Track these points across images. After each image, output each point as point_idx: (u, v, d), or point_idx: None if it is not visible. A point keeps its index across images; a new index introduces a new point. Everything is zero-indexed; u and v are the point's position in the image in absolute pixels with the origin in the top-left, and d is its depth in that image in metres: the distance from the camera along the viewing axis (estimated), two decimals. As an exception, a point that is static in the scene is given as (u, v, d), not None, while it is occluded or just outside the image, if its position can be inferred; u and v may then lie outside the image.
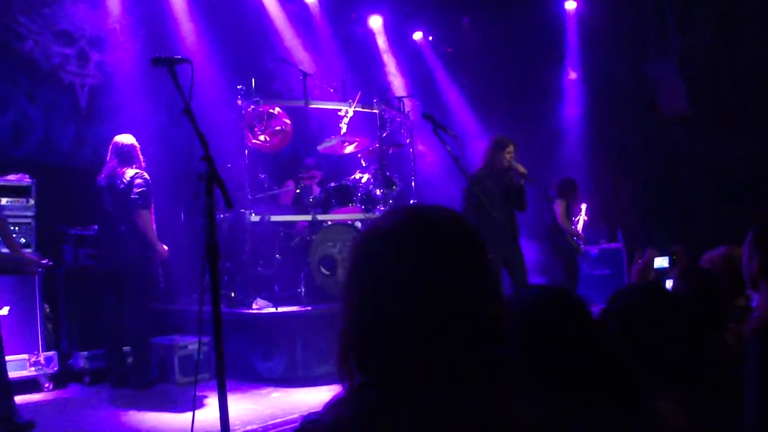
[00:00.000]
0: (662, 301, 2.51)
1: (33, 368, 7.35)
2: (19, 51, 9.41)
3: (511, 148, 8.31)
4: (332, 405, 1.50)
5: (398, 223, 1.57)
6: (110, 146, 7.69)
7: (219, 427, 3.59)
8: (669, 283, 4.37)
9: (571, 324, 2.02)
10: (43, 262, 7.50)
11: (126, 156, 7.53)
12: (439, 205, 1.63)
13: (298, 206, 9.49)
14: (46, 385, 7.45)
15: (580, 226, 10.86)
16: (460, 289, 1.49)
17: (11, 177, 7.85)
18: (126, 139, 7.63)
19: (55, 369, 7.58)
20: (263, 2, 12.17)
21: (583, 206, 10.96)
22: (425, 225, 1.54)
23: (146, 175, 7.46)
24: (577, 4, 13.61)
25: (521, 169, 8.24)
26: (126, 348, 7.73)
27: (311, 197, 9.15)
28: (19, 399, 6.99)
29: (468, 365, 1.46)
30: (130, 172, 7.42)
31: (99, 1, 10.24)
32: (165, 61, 4.13)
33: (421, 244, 1.51)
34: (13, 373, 7.16)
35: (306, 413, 1.50)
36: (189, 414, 6.19)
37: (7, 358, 7.17)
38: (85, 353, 7.85)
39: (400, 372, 1.46)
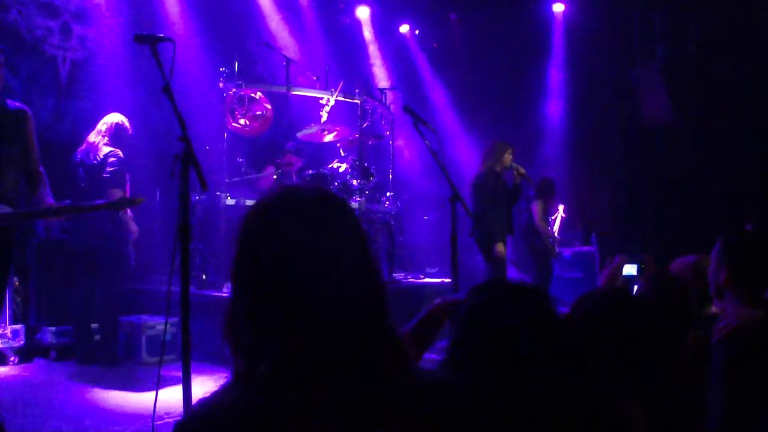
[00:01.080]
0: (626, 306, 2.52)
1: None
2: (3, 21, 9.34)
3: (510, 150, 8.88)
4: (221, 390, 1.50)
5: (266, 202, 1.58)
6: (104, 125, 7.62)
7: (182, 408, 3.60)
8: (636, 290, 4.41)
9: (530, 319, 2.04)
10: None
11: (116, 135, 7.52)
12: (319, 186, 1.64)
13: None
14: (12, 358, 7.41)
15: (556, 227, 10.88)
16: (331, 266, 1.49)
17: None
18: (116, 118, 7.62)
19: (22, 343, 7.54)
20: (251, -15, 12.14)
21: (561, 207, 11.00)
22: (292, 201, 1.56)
23: (120, 154, 7.43)
24: (565, 6, 13.63)
25: (521, 169, 8.85)
26: (94, 325, 7.70)
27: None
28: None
29: (342, 344, 1.46)
30: (105, 150, 7.38)
31: (84, -25, 10.17)
32: (147, 39, 4.11)
33: (286, 220, 1.52)
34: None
35: None
36: (152, 393, 6.21)
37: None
38: (52, 328, 7.82)
39: (273, 355, 1.46)
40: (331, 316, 1.46)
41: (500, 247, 8.50)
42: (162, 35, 4.16)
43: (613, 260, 3.53)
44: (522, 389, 1.89)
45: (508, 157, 8.83)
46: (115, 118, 7.62)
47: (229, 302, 1.57)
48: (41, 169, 5.51)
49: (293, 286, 1.46)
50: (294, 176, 9.64)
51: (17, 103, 5.27)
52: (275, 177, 9.59)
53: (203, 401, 1.46)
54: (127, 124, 7.64)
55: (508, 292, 2.11)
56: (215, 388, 1.50)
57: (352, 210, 1.61)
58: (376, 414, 1.42)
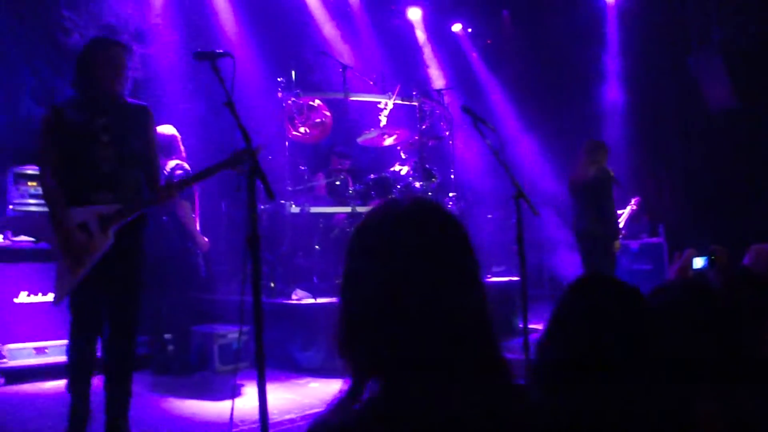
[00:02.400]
0: (703, 298, 2.48)
1: (77, 354, 7.46)
2: (65, 44, 9.56)
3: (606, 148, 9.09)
4: (337, 405, 1.53)
5: (377, 222, 1.61)
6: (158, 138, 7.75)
7: (257, 416, 3.64)
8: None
9: (628, 317, 2.02)
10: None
11: (166, 147, 7.59)
12: (419, 197, 1.65)
13: (336, 197, 9.52)
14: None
15: (623, 219, 10.73)
16: (443, 281, 1.52)
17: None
18: (166, 130, 7.69)
19: (98, 355, 7.67)
20: (303, -5, 12.25)
21: (633, 200, 10.87)
22: (401, 220, 1.58)
23: (187, 166, 7.53)
24: (618, -4, 13.53)
25: (610, 172, 8.90)
26: (167, 336, 7.83)
27: (350, 189, 9.16)
28: (63, 383, 7.12)
29: (454, 357, 1.48)
30: (171, 163, 7.49)
31: (143, -4, 10.38)
32: (207, 56, 4.17)
33: (399, 239, 1.54)
34: (57, 358, 7.32)
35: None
36: (227, 402, 6.29)
37: (52, 343, 7.36)
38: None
39: (392, 365, 1.49)
40: (443, 328, 1.49)
41: (617, 244, 8.92)
42: (221, 51, 4.22)
43: (681, 254, 3.47)
44: (619, 399, 1.86)
45: (605, 155, 9.01)
46: (163, 129, 7.72)
47: (341, 315, 1.60)
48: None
49: (406, 299, 1.49)
50: (348, 179, 9.65)
51: (138, 101, 5.28)
52: (337, 183, 9.63)
53: (321, 417, 1.50)
54: (176, 133, 7.74)
55: (612, 295, 2.06)
56: (331, 401, 1.55)
57: (460, 222, 1.63)
58: (486, 425, 1.44)
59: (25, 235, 6.97)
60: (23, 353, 7.24)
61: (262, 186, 3.77)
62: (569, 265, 11.85)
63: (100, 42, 5.20)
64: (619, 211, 10.46)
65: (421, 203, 1.63)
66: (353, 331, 1.57)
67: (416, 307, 1.49)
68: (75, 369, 5.07)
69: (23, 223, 6.12)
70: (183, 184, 5.22)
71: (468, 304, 1.54)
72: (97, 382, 5.11)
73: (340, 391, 1.57)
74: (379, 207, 1.67)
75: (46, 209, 4.93)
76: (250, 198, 3.67)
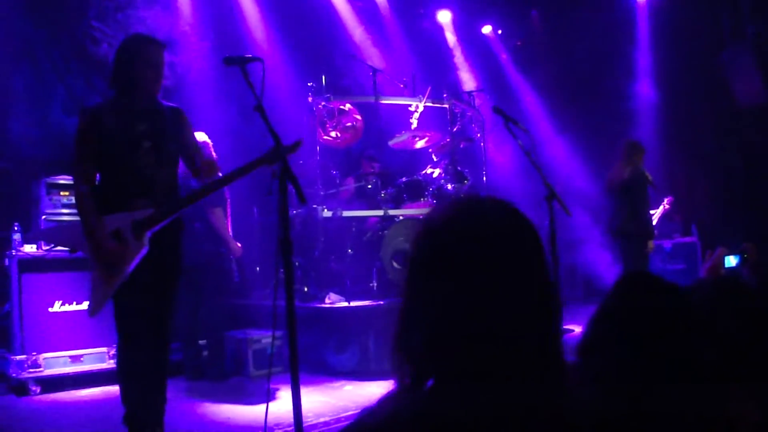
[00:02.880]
0: (737, 295, 2.46)
1: (112, 360, 7.48)
2: (95, 54, 9.65)
3: (642, 149, 9.35)
4: (387, 398, 1.51)
5: (452, 216, 1.56)
6: None
7: (292, 419, 3.64)
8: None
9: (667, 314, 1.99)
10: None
11: None
12: (498, 198, 1.60)
13: (368, 201, 9.51)
14: (125, 377, 7.59)
15: (656, 218, 10.65)
16: (514, 282, 1.48)
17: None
18: (198, 136, 7.70)
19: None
20: (332, 0, 12.26)
21: (666, 199, 10.79)
22: (484, 220, 1.54)
23: (219, 173, 7.55)
24: (649, -6, 13.44)
25: (646, 173, 9.19)
26: (202, 341, 7.86)
27: (382, 192, 9.15)
28: (99, 390, 7.20)
29: (521, 360, 1.45)
30: (202, 170, 7.51)
31: (170, 4, 10.44)
32: (236, 60, 4.18)
33: (473, 236, 1.50)
34: (93, 366, 7.38)
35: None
36: (262, 406, 6.29)
37: (87, 351, 7.41)
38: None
39: (453, 365, 1.47)
40: (507, 329, 1.46)
41: (651, 245, 9.09)
42: (250, 56, 4.23)
43: (713, 253, 3.44)
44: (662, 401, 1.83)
45: (641, 156, 9.23)
46: (198, 137, 7.71)
47: (401, 312, 1.57)
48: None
49: (472, 299, 1.46)
50: (378, 182, 9.62)
51: (171, 103, 5.20)
52: (369, 186, 9.62)
53: (369, 410, 1.47)
54: (208, 140, 7.75)
55: (656, 293, 2.02)
56: (380, 398, 1.52)
57: (533, 225, 1.58)
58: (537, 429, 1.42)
59: (58, 245, 7.00)
60: (59, 362, 7.29)
61: (293, 190, 3.76)
62: (602, 265, 11.80)
63: (140, 39, 5.10)
64: (652, 211, 10.39)
65: (504, 206, 1.58)
66: (412, 330, 1.54)
67: (485, 313, 1.46)
68: (129, 376, 4.91)
69: (56, 233, 6.03)
70: (224, 179, 5.06)
71: (538, 313, 1.51)
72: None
73: (387, 391, 1.54)
74: (456, 202, 1.62)
75: (77, 218, 4.84)
76: (282, 202, 3.67)
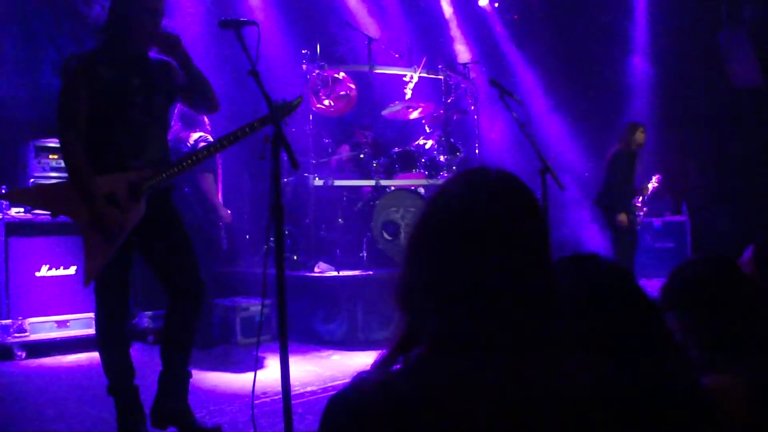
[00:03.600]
0: (729, 272, 2.46)
1: (99, 326, 7.48)
2: (87, 16, 9.53)
3: (641, 129, 9.69)
4: (381, 362, 1.57)
5: (464, 189, 1.59)
6: (175, 110, 7.71)
7: (279, 388, 3.61)
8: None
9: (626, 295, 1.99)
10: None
11: (190, 119, 7.55)
12: (504, 170, 1.63)
13: (360, 170, 9.48)
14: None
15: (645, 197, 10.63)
16: (516, 253, 1.51)
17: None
18: None
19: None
20: (329, -34, 12.16)
21: (654, 177, 10.76)
22: (490, 191, 1.56)
23: (210, 138, 7.47)
24: (647, -29, 13.35)
25: (631, 150, 9.64)
26: (189, 308, 7.82)
27: (374, 162, 9.11)
28: (85, 356, 7.18)
29: (518, 330, 1.48)
30: (194, 136, 7.44)
31: (167, -33, 10.31)
32: (232, 24, 4.10)
33: (485, 210, 1.53)
34: (80, 331, 7.35)
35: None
36: (250, 374, 6.26)
37: (74, 317, 7.38)
38: (149, 313, 7.98)
39: (451, 335, 1.49)
40: (502, 299, 1.48)
41: (623, 217, 9.26)
42: (246, 19, 4.15)
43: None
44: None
45: (640, 135, 9.61)
46: None
47: (404, 273, 1.60)
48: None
49: (478, 271, 1.49)
50: (370, 152, 9.58)
51: (160, 56, 4.76)
52: (361, 156, 9.59)
53: (362, 375, 1.50)
54: None
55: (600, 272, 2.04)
56: (374, 362, 1.59)
57: (536, 198, 1.62)
58: (524, 397, 1.44)
59: (35, 208, 6.88)
60: (45, 327, 7.28)
61: (286, 157, 3.71)
62: (590, 240, 11.80)
63: None
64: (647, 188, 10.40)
65: (510, 178, 1.61)
66: (416, 295, 1.57)
67: (485, 282, 1.48)
68: (111, 347, 4.67)
69: (32, 195, 5.29)
70: (224, 141, 4.83)
71: (537, 287, 1.54)
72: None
73: (386, 349, 1.60)
74: (464, 173, 1.64)
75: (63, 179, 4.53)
76: (274, 167, 3.62)
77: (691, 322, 2.40)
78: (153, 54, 4.76)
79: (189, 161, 4.72)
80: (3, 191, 7.25)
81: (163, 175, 4.55)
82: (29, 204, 6.46)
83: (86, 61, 4.48)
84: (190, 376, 4.83)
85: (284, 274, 3.59)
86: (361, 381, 1.48)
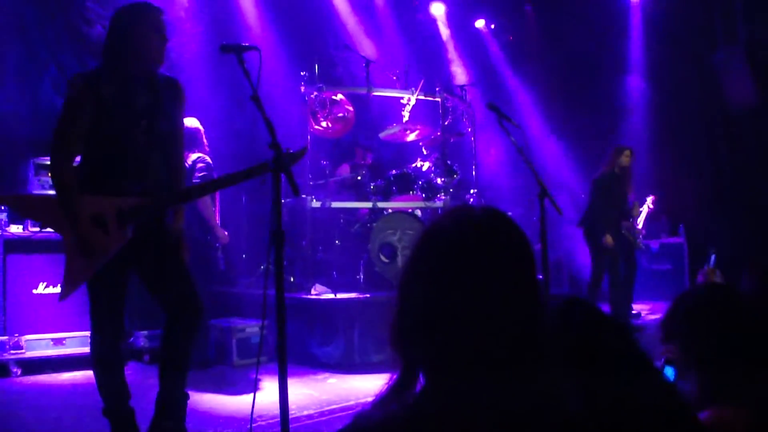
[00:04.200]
0: (731, 302, 2.47)
1: (94, 345, 7.46)
2: (88, 35, 9.58)
3: (626, 152, 9.71)
4: (381, 400, 1.60)
5: (451, 226, 1.67)
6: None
7: (277, 410, 3.62)
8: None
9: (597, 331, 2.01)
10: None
11: (190, 140, 7.56)
12: (491, 207, 1.73)
13: (357, 192, 9.50)
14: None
15: (641, 219, 10.64)
16: (505, 287, 1.58)
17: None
18: (190, 122, 7.67)
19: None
20: (327, -11, 12.24)
21: (649, 198, 10.77)
22: (475, 228, 1.64)
23: (208, 159, 7.50)
24: (642, -7, 13.46)
25: (614, 173, 9.69)
26: (186, 329, 7.80)
27: (371, 185, 9.13)
28: (81, 374, 7.15)
29: (508, 358, 1.53)
30: (192, 156, 7.46)
31: (167, -12, 10.38)
32: (233, 48, 4.08)
33: (470, 245, 1.61)
34: (76, 349, 7.34)
35: (359, 404, 1.58)
36: (245, 396, 6.31)
37: (70, 335, 7.36)
38: (145, 332, 7.94)
39: (445, 363, 1.56)
40: (497, 327, 1.55)
41: (608, 239, 9.28)
42: (247, 44, 4.15)
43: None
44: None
45: (624, 159, 9.63)
46: (190, 122, 7.70)
47: (399, 309, 1.67)
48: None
49: (468, 303, 1.56)
50: (368, 173, 9.60)
51: (168, 74, 4.75)
52: (349, 176, 9.61)
53: (364, 412, 1.56)
54: (200, 127, 7.71)
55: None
56: (375, 396, 1.63)
57: (524, 234, 1.69)
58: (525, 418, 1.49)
59: (25, 216, 6.90)
60: (41, 344, 7.26)
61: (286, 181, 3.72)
62: (587, 260, 11.83)
63: (147, 5, 4.65)
64: (641, 209, 10.44)
65: (495, 214, 1.69)
66: (409, 326, 1.63)
67: (476, 313, 1.55)
68: (105, 368, 4.61)
69: (25, 203, 5.30)
70: (204, 190, 4.81)
71: (523, 316, 1.59)
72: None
73: (384, 386, 1.64)
74: (452, 211, 1.73)
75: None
76: (276, 193, 3.63)
77: (694, 353, 2.41)
78: (162, 73, 4.72)
79: (183, 198, 4.77)
80: (2, 208, 7.27)
81: (154, 207, 4.48)
82: (18, 211, 6.38)
83: (92, 79, 4.40)
84: (187, 397, 4.77)
85: (284, 299, 3.59)
86: (362, 420, 1.52)
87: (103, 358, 4.61)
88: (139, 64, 4.52)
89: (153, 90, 4.57)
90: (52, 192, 7.34)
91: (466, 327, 1.54)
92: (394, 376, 1.64)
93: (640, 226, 10.30)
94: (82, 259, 4.29)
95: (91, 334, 4.63)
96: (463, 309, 1.55)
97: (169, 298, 4.68)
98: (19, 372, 7.17)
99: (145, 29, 4.51)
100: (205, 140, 7.69)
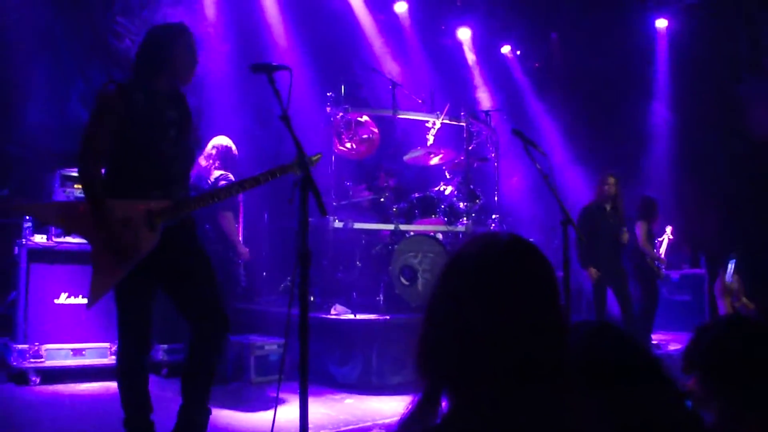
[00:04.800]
0: (753, 333, 2.47)
1: (113, 356, 7.46)
2: (117, 49, 9.68)
3: (608, 179, 9.54)
4: (404, 423, 1.67)
5: (478, 252, 1.73)
6: (212, 148, 7.76)
7: (294, 429, 3.64)
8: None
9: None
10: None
11: (221, 158, 7.63)
12: (515, 234, 1.79)
13: (379, 214, 9.51)
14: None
15: (663, 249, 10.62)
16: (530, 312, 1.64)
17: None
18: (222, 141, 7.72)
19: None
20: (354, 11, 12.28)
21: (669, 228, 10.74)
22: (502, 254, 1.71)
23: (231, 177, 7.54)
24: (668, 21, 13.41)
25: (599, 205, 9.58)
26: (204, 344, 7.81)
27: (394, 207, 9.14)
28: (99, 386, 7.18)
29: (534, 380, 1.58)
30: (215, 173, 7.51)
31: (195, 5, 10.48)
32: (264, 68, 4.10)
33: (497, 271, 1.67)
34: (94, 360, 7.37)
35: (376, 426, 1.62)
36: (262, 413, 6.33)
37: (90, 345, 7.39)
38: (164, 346, 7.96)
39: (470, 386, 1.61)
40: (519, 352, 1.60)
41: (591, 271, 9.26)
42: (278, 64, 4.18)
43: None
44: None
45: (610, 187, 9.49)
46: (222, 141, 7.75)
47: (425, 331, 1.72)
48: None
49: (494, 328, 1.61)
50: (391, 196, 9.62)
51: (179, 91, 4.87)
52: (371, 198, 9.62)
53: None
54: (233, 146, 7.76)
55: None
56: (401, 416, 1.68)
57: (548, 261, 1.75)
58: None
59: (48, 223, 6.90)
60: (60, 354, 7.28)
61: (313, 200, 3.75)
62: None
63: (180, 25, 4.82)
64: (658, 239, 10.41)
65: (520, 241, 1.75)
66: (435, 349, 1.68)
67: (502, 337, 1.60)
68: (130, 380, 4.65)
69: (50, 210, 5.44)
70: (244, 184, 4.78)
71: (548, 341, 1.65)
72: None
73: (406, 409, 1.69)
74: (478, 237, 1.79)
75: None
76: (303, 213, 3.65)
77: (715, 384, 2.41)
78: (188, 88, 4.90)
79: (210, 199, 4.82)
80: (28, 217, 7.33)
81: (183, 207, 4.59)
82: (42, 219, 6.46)
83: (124, 87, 4.52)
84: (209, 413, 4.78)
85: (308, 319, 3.61)
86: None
87: (128, 369, 4.64)
88: (170, 81, 4.68)
89: (179, 106, 4.72)
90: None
91: (492, 350, 1.59)
92: (416, 400, 1.68)
93: (662, 256, 10.28)
94: (111, 261, 4.35)
95: (118, 344, 4.68)
96: (489, 333, 1.60)
97: (194, 311, 4.69)
98: (38, 380, 7.20)
99: (180, 49, 4.66)
100: (235, 160, 7.73)
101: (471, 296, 1.64)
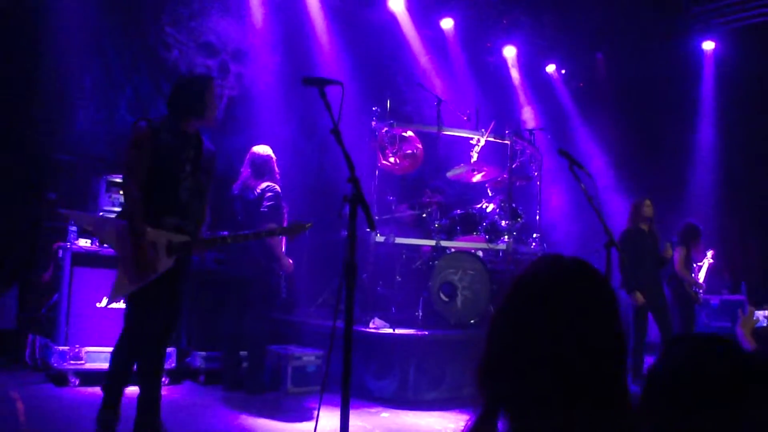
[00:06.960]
0: (734, 359, 2.41)
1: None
2: (165, 59, 9.81)
3: (645, 202, 9.60)
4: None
5: (542, 273, 1.76)
6: (247, 156, 7.87)
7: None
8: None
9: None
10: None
11: (261, 167, 7.69)
12: (581, 259, 1.81)
13: (421, 230, 9.51)
14: (163, 379, 7.62)
15: (703, 273, 10.52)
16: (592, 333, 1.65)
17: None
18: (263, 150, 7.80)
19: (173, 365, 7.74)
20: (401, 26, 12.32)
21: (709, 253, 10.65)
22: (566, 275, 1.74)
23: (277, 188, 7.60)
24: (715, 44, 13.30)
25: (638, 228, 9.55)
26: (242, 353, 7.87)
27: (436, 223, 9.13)
28: (135, 389, 7.22)
29: (594, 401, 1.60)
30: (262, 185, 7.57)
31: (244, 17, 10.57)
32: (316, 82, 4.18)
33: (562, 292, 1.70)
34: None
35: None
36: (299, 424, 6.36)
37: (130, 351, 7.48)
38: (202, 353, 8.03)
39: (532, 405, 1.63)
40: (582, 372, 1.62)
41: (637, 296, 9.12)
42: (330, 78, 4.23)
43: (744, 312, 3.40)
44: None
45: (646, 210, 9.56)
46: (257, 149, 7.83)
47: (488, 348, 1.74)
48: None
49: (556, 347, 1.63)
50: (435, 212, 9.62)
51: (209, 144, 5.63)
52: (423, 216, 9.62)
53: None
54: (272, 154, 7.82)
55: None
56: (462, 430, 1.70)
57: (609, 283, 1.78)
58: None
59: (87, 230, 7.16)
60: (100, 357, 7.33)
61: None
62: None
63: (209, 79, 5.66)
64: (698, 264, 10.33)
65: (583, 263, 1.78)
66: (497, 367, 1.71)
67: (564, 357, 1.62)
68: (121, 374, 5.48)
69: (90, 221, 6.18)
70: (215, 242, 5.85)
71: (610, 361, 1.67)
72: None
73: (466, 425, 1.71)
74: (542, 258, 1.82)
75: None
76: (351, 227, 3.68)
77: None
78: (206, 139, 5.61)
79: (221, 241, 5.76)
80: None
81: (196, 246, 5.45)
82: (84, 227, 7.13)
83: (153, 123, 5.25)
84: (160, 397, 5.65)
85: (352, 331, 3.63)
86: None
87: (119, 365, 5.43)
88: (196, 125, 5.47)
89: (197, 146, 5.47)
90: (117, 209, 7.67)
91: (554, 373, 1.60)
92: (474, 418, 1.69)
93: (701, 281, 10.19)
94: (133, 273, 5.09)
95: (120, 337, 5.42)
96: (553, 355, 1.61)
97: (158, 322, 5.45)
98: (77, 382, 7.30)
99: (209, 100, 5.45)
100: (276, 168, 7.79)
101: (537, 318, 1.66)
